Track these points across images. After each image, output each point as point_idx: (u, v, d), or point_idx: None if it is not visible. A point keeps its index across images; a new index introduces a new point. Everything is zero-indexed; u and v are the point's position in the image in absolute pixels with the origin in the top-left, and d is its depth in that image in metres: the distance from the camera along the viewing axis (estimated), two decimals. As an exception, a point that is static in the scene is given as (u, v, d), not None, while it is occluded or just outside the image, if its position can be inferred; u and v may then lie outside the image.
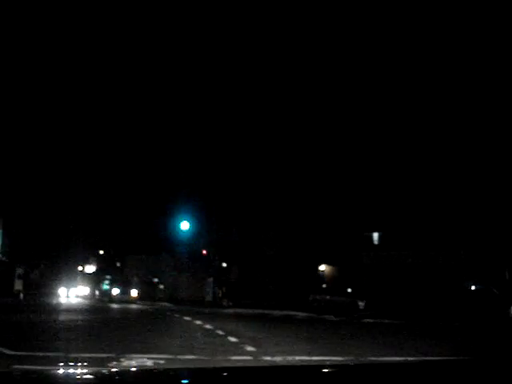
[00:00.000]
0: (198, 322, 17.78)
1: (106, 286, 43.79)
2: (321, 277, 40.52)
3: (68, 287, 53.05)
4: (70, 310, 25.73)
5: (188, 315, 22.00)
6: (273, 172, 38.47)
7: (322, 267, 41.01)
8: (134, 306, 32.83)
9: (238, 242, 39.40)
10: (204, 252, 38.16)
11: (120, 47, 56.31)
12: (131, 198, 53.35)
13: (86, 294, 49.29)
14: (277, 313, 28.58)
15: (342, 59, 36.83)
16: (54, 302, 35.38)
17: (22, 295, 41.77)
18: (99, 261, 73.45)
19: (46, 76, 54.29)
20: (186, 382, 2.47)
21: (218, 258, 37.62)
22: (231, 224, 39.51)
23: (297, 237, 38.55)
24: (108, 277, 46.36)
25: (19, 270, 73.82)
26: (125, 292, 40.73)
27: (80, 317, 19.97)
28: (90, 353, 9.85)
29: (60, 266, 74.29)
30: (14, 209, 60.95)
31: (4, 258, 73.57)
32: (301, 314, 27.93)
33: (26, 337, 12.54)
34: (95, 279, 54.13)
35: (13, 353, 9.53)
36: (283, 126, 39.07)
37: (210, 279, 38.05)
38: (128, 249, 58.65)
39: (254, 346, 11.17)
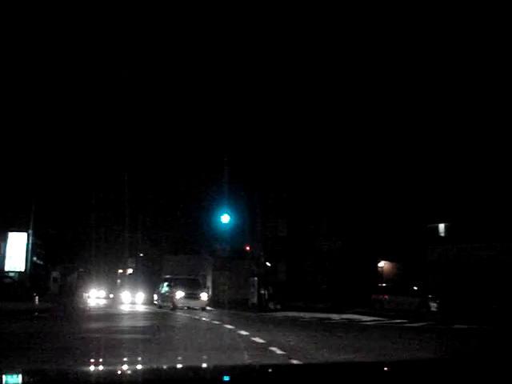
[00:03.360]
0: (244, 333, 13.27)
1: (165, 288, 32.99)
2: (380, 274, 35.57)
3: (116, 291, 48.62)
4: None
5: (230, 322, 17.61)
6: (324, 157, 33.79)
7: (381, 264, 36.08)
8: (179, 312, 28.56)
9: (285, 236, 34.82)
10: (247, 248, 33.63)
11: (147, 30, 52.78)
12: (168, 193, 49.54)
13: (142, 299, 40.86)
14: (336, 317, 23.84)
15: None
16: (114, 310, 28.37)
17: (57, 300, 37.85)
18: (137, 263, 70.52)
19: (68, 70, 51.28)
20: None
21: (264, 255, 33.00)
22: (278, 216, 34.97)
23: (353, 230, 33.74)
24: (167, 276, 35.29)
25: (55, 274, 71.55)
26: (192, 295, 30.46)
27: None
28: None
29: (98, 269, 71.47)
30: (50, 211, 58.06)
31: (39, 261, 71.17)
32: (365, 319, 23.11)
33: None
34: (143, 281, 48.00)
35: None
36: (335, 113, 34.41)
37: (255, 279, 33.49)
38: (166, 249, 55.19)
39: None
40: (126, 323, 18.12)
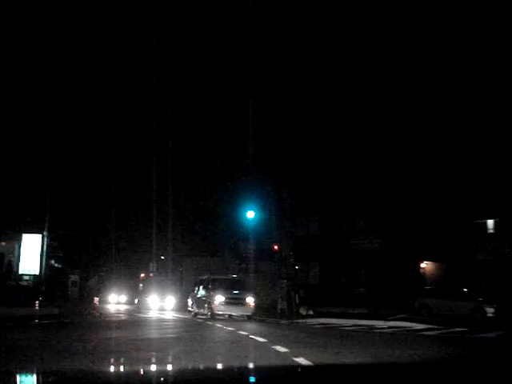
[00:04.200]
0: (282, 350, 10.03)
1: (201, 292, 26.66)
2: (422, 276, 32.09)
3: (141, 296, 42.40)
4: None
5: (260, 333, 14.40)
6: (361, 146, 30.46)
7: (423, 264, 32.58)
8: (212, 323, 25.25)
9: (318, 234, 31.53)
10: (275, 247, 30.36)
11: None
12: (190, 192, 46.75)
13: (172, 304, 36.05)
14: (382, 325, 20.47)
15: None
16: (135, 318, 24.58)
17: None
18: (159, 266, 67.90)
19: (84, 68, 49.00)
20: None
21: (293, 255, 29.72)
22: (309, 212, 31.70)
23: (393, 227, 30.33)
24: (204, 277, 28.20)
25: (74, 277, 69.08)
26: (235, 300, 24.35)
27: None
28: None
29: (120, 273, 68.93)
30: (68, 213, 55.84)
31: (57, 264, 68.86)
32: (419, 327, 19.66)
33: None
34: (171, 285, 43.84)
35: None
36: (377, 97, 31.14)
37: (284, 281, 30.21)
38: (187, 251, 52.48)
39: None
40: (139, 336, 14.96)
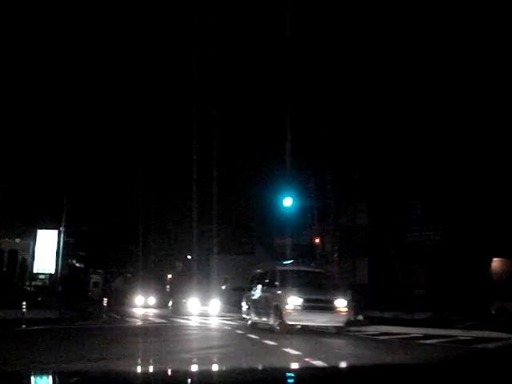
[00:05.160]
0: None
1: (260, 292, 18.74)
2: (492, 275, 27.02)
3: (177, 298, 34.17)
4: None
5: (309, 349, 9.94)
6: (417, 123, 25.64)
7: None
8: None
9: (366, 226, 26.83)
10: (316, 241, 25.79)
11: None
12: (220, 181, 42.62)
13: (218, 308, 29.80)
14: (466, 336, 15.68)
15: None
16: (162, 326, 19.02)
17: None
18: (185, 266, 64.11)
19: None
20: None
21: (338, 250, 25.08)
22: (356, 200, 27.03)
23: (457, 217, 25.35)
24: (261, 271, 20.24)
25: (96, 278, 65.60)
26: (319, 303, 16.64)
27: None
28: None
29: (146, 274, 65.14)
30: (93, 215, 52.55)
31: (79, 264, 65.45)
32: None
33: None
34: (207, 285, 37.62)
35: None
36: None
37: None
38: (215, 249, 48.40)
39: None
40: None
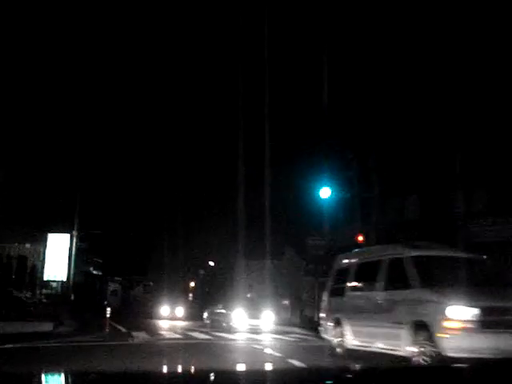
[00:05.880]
0: None
1: (361, 299, 11.73)
2: None
3: (212, 308, 27.18)
4: None
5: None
6: (480, 99, 21.56)
7: None
8: None
9: (418, 220, 22.76)
10: (359, 239, 21.77)
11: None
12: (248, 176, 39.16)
13: (271, 321, 23.33)
14: None
15: None
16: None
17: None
18: (207, 273, 60.73)
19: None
20: None
21: (386, 250, 20.97)
22: (406, 191, 22.99)
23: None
24: (354, 260, 13.11)
25: (114, 286, 62.23)
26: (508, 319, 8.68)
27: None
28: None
29: (168, 282, 61.70)
30: (109, 219, 49.67)
31: (96, 271, 62.25)
32: None
33: None
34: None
35: None
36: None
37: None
38: (238, 254, 44.71)
39: None
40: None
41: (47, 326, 16.65)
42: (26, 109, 38.19)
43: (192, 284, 63.67)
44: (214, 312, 25.56)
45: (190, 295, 56.71)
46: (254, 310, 22.74)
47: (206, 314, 27.41)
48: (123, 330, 18.11)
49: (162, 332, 19.05)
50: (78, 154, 42.67)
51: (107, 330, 16.92)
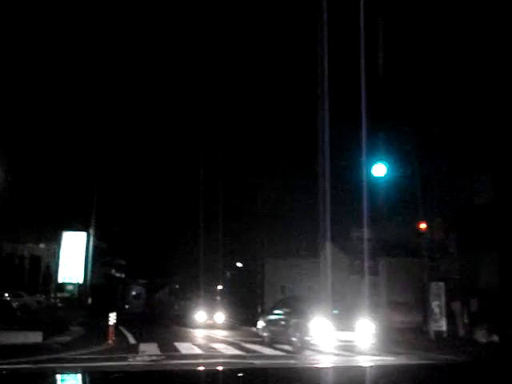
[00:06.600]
0: None
1: None
2: None
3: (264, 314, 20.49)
4: None
5: None
6: None
7: None
8: None
9: (492, 205, 18.65)
10: (421, 226, 17.78)
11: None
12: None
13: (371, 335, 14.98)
14: None
15: None
16: None
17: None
18: (234, 274, 56.92)
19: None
20: None
21: (455, 239, 17.00)
22: (477, 170, 18.93)
23: None
24: None
25: (137, 289, 58.92)
26: None
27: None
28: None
29: (193, 285, 58.23)
30: (134, 219, 46.80)
31: (118, 274, 59.16)
32: None
33: None
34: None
35: None
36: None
37: (440, 284, 17.63)
38: (267, 252, 41.07)
39: None
40: None
41: (36, 337, 13.08)
42: (42, 104, 36.48)
43: (219, 287, 60.08)
44: (276, 321, 17.21)
45: (218, 298, 52.93)
46: (341, 319, 14.93)
47: (261, 323, 19.05)
48: (131, 340, 14.42)
49: (198, 345, 14.23)
50: (95, 146, 39.62)
51: (110, 342, 13.23)
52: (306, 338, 14.30)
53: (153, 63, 48.08)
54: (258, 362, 10.44)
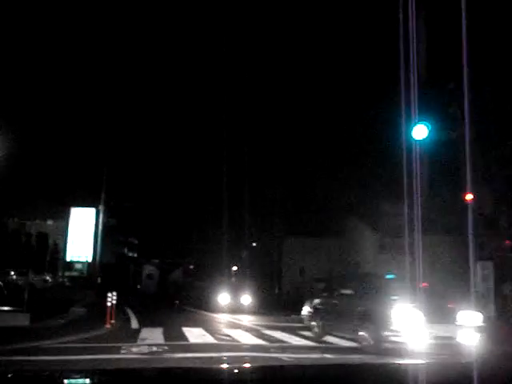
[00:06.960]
0: None
1: None
2: None
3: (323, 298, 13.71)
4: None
5: None
6: None
7: None
8: None
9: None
10: (468, 198, 15.50)
11: None
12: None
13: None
14: None
15: None
16: None
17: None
18: (251, 255, 54.81)
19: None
20: None
21: (507, 214, 14.72)
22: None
23: None
24: None
25: (149, 268, 57.23)
26: None
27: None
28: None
29: (208, 266, 56.28)
30: (147, 196, 45.08)
31: (131, 253, 57.43)
32: None
33: None
34: None
35: None
36: None
37: (487, 265, 15.45)
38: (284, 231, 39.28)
39: None
40: None
41: (22, 320, 11.09)
42: (51, 81, 35.18)
43: (234, 268, 58.09)
44: (332, 306, 12.06)
45: (233, 279, 50.98)
46: (435, 306, 10.13)
47: (307, 308, 15.03)
48: (134, 325, 12.35)
49: (212, 332, 11.17)
50: (107, 117, 37.70)
51: (108, 326, 11.19)
52: (385, 334, 9.65)
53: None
54: (294, 361, 7.86)
